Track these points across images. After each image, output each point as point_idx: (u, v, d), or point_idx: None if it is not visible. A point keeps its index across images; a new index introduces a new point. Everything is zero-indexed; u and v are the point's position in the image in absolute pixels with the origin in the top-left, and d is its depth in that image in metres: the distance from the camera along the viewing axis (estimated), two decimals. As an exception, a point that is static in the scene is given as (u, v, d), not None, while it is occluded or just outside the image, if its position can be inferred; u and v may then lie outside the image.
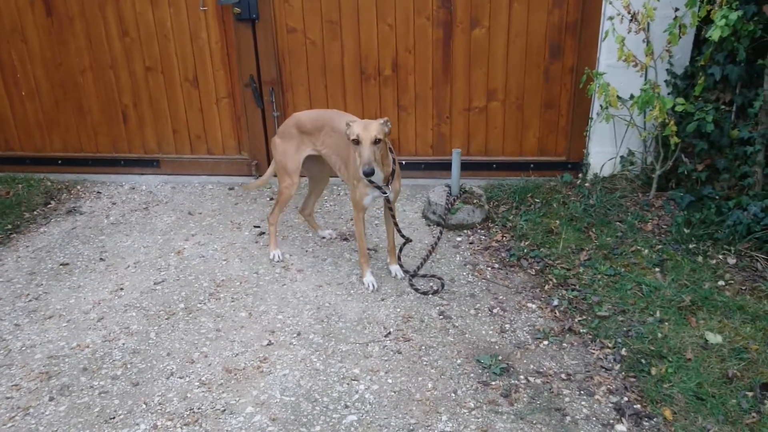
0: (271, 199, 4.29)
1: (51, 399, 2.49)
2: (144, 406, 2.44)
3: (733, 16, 3.09)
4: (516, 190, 4.09)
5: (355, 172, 2.97)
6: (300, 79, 4.34)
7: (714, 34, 3.14)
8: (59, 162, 4.75)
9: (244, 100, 4.43)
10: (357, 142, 2.74)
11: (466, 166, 4.19)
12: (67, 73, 4.49)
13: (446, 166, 4.08)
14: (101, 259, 3.57)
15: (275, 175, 3.46)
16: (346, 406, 2.42)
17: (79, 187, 4.55)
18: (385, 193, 3.00)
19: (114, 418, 2.38)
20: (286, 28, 4.21)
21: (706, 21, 3.40)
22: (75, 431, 2.32)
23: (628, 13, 3.50)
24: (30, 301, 3.17)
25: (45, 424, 2.36)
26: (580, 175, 4.30)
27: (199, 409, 2.42)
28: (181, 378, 2.59)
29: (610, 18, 3.58)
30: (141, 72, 4.44)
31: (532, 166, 4.37)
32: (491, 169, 4.43)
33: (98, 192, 4.49)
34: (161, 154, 4.68)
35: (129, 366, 2.66)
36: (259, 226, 3.89)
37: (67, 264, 3.52)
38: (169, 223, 3.97)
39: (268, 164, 4.52)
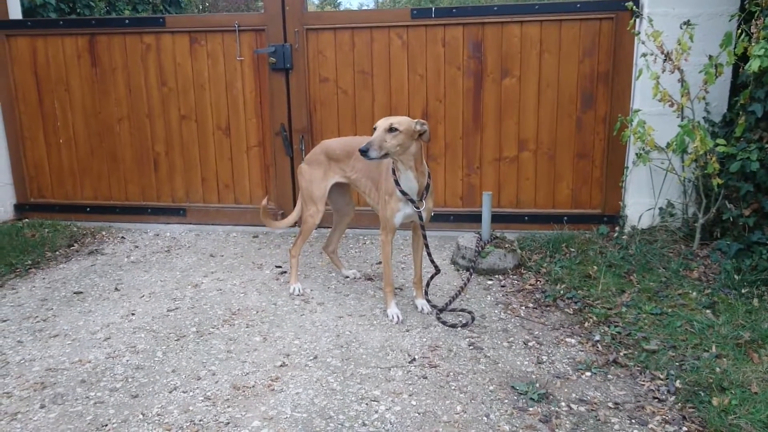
0: (295, 245, 4.17)
1: (42, 407, 2.27)
2: (141, 416, 2.20)
3: (773, 46, 3.02)
4: (550, 240, 3.91)
5: (387, 186, 2.86)
6: (330, 128, 4.36)
7: (753, 65, 3.07)
8: (87, 210, 4.76)
9: (274, 148, 4.44)
10: (375, 130, 2.66)
11: (496, 218, 4.05)
12: (105, 122, 4.60)
13: (476, 218, 3.95)
14: (116, 289, 3.44)
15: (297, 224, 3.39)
16: (364, 425, 2.15)
17: (104, 233, 4.51)
18: (418, 208, 2.85)
19: (107, 425, 2.14)
20: (319, 77, 4.30)
21: (744, 59, 3.34)
22: (62, 437, 2.09)
23: (662, 53, 3.47)
24: (37, 322, 3.03)
25: (31, 429, 2.14)
26: (617, 228, 4.11)
27: (200, 421, 2.17)
28: (184, 392, 2.36)
29: (644, 55, 3.55)
30: (176, 120, 4.53)
31: (565, 219, 4.21)
32: (523, 221, 4.27)
33: (122, 237, 4.43)
34: (188, 202, 4.66)
35: (130, 380, 2.45)
36: (280, 266, 3.75)
37: (81, 292, 3.39)
38: (190, 263, 3.86)
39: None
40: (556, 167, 4.19)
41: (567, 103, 4.08)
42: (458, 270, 3.71)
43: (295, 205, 4.43)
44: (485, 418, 2.19)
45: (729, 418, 2.14)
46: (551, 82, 4.07)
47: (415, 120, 2.71)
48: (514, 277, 3.57)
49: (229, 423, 2.16)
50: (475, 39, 4.08)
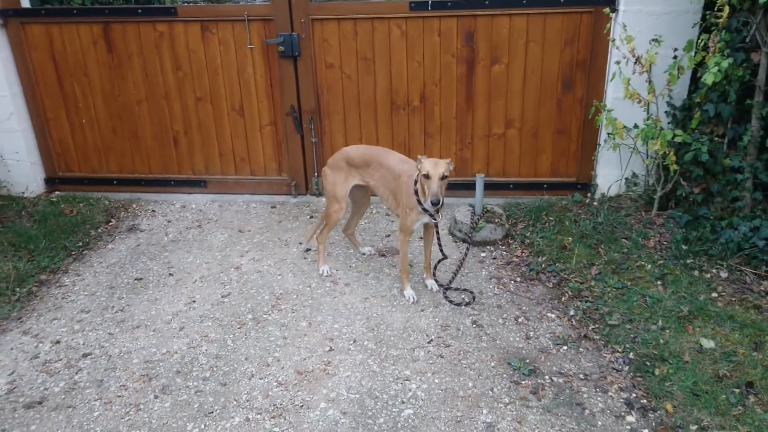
0: (311, 217, 4.78)
1: (156, 397, 2.97)
2: (235, 402, 2.93)
3: (725, 63, 3.57)
4: (532, 209, 4.59)
5: (408, 201, 3.45)
6: (336, 109, 4.83)
7: (708, 78, 3.63)
8: (114, 182, 5.24)
9: (285, 127, 4.91)
10: (427, 176, 3.22)
11: (485, 186, 4.67)
12: (125, 104, 4.97)
13: (468, 187, 4.58)
14: (170, 274, 4.05)
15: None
16: (403, 402, 2.91)
17: (134, 206, 5.03)
18: (436, 220, 3.48)
19: (212, 412, 2.86)
20: (325, 63, 4.70)
21: (702, 64, 3.89)
22: (182, 423, 2.80)
23: (633, 56, 3.99)
24: (116, 312, 3.66)
25: (156, 417, 2.85)
26: (589, 194, 4.80)
27: (280, 405, 2.90)
28: (260, 379, 3.07)
29: (617, 62, 4.07)
30: (192, 102, 4.93)
31: (545, 186, 4.87)
32: (508, 189, 4.92)
33: (153, 210, 4.97)
34: (208, 175, 5.17)
35: (215, 369, 3.15)
36: (302, 243, 4.38)
37: (141, 279, 4.01)
38: (223, 240, 4.46)
39: (306, 184, 5.05)
40: (538, 142, 4.78)
41: (549, 87, 4.60)
42: (456, 241, 4.40)
43: (305, 177, 5.02)
44: (490, 392, 2.97)
45: (666, 386, 2.96)
46: (536, 68, 4.56)
47: (447, 160, 3.29)
48: (503, 247, 4.28)
49: (303, 405, 2.90)
50: (468, 30, 4.49)
